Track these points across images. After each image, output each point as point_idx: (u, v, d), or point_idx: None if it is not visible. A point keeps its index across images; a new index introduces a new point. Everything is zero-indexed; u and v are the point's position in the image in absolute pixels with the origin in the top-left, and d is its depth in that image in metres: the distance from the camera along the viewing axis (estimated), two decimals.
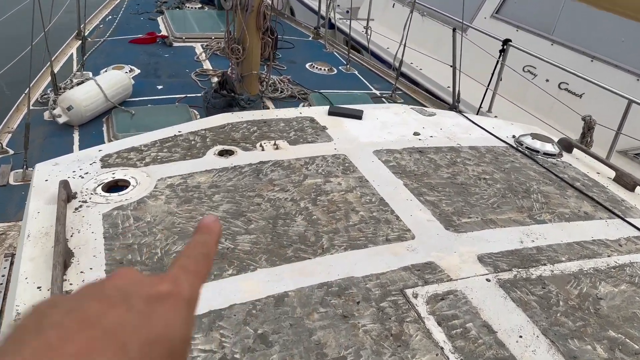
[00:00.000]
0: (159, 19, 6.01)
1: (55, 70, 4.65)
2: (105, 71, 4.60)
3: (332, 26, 7.06)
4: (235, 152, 2.40)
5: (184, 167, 2.24)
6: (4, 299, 2.41)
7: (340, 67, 5.40)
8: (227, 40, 4.07)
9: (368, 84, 5.15)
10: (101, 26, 5.71)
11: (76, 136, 3.69)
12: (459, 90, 4.48)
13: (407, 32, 4.84)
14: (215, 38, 5.49)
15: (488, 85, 5.06)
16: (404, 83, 5.14)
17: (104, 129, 3.79)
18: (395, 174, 2.25)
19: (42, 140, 3.60)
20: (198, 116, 4.09)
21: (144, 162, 2.26)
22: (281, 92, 4.57)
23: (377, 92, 4.97)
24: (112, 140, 3.65)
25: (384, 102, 4.77)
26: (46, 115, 3.89)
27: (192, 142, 2.45)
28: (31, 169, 3.28)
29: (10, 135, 3.62)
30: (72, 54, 4.99)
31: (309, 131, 2.62)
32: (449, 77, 5.33)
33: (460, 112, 3.04)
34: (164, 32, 5.62)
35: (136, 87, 4.26)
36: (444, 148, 2.55)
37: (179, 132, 2.58)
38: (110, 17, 6.01)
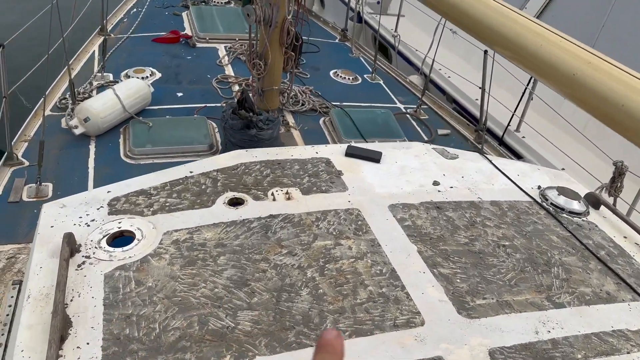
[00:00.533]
0: (184, 14, 5.90)
1: (77, 69, 4.63)
2: (126, 74, 4.54)
3: (360, 19, 6.88)
4: (245, 201, 2.32)
5: (191, 219, 2.17)
6: (9, 332, 2.39)
7: (365, 76, 5.25)
8: (249, 54, 3.96)
9: (393, 96, 5.00)
10: (125, 20, 5.64)
11: (92, 147, 3.65)
12: (487, 113, 4.32)
13: (437, 48, 4.66)
14: (239, 40, 5.37)
15: (518, 105, 4.87)
16: (430, 97, 4.97)
17: (121, 140, 3.75)
18: (409, 236, 2.15)
19: (58, 151, 3.57)
20: (216, 129, 4.02)
21: (151, 209, 2.20)
22: (302, 104, 4.46)
23: (402, 107, 4.82)
24: (127, 155, 3.61)
25: (407, 118, 4.63)
26: (63, 122, 3.86)
27: (203, 187, 2.37)
28: (45, 184, 3.27)
29: (26, 144, 3.60)
30: (94, 52, 4.94)
31: (323, 177, 2.52)
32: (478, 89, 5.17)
33: (484, 154, 2.90)
34: (187, 30, 5.52)
35: (155, 94, 4.20)
36: (463, 203, 2.43)
37: (191, 172, 2.51)
38: (135, 9, 5.93)
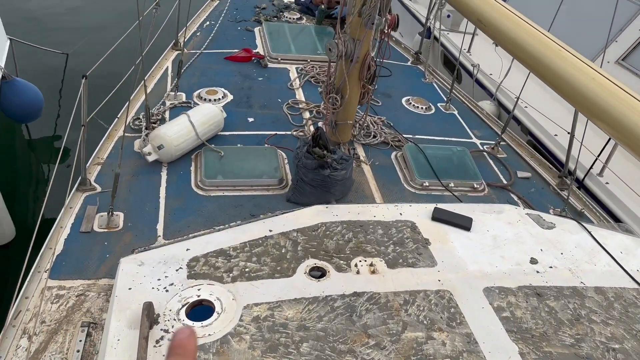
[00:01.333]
0: (256, 30, 5.84)
1: (150, 86, 4.63)
2: (199, 96, 4.51)
3: (429, 34, 6.63)
4: (327, 272, 2.18)
5: (272, 290, 2.06)
6: None
7: (439, 105, 5.03)
8: (326, 86, 3.83)
9: (468, 129, 4.75)
10: (198, 34, 5.63)
11: (164, 175, 3.61)
12: (576, 162, 4.03)
13: (522, 87, 4.38)
14: (311, 61, 5.26)
15: (603, 148, 4.54)
16: (510, 133, 4.69)
17: (192, 168, 3.70)
18: (509, 332, 1.95)
19: (130, 177, 3.55)
20: (286, 160, 3.91)
21: (231, 274, 2.10)
22: (374, 137, 4.29)
23: (478, 143, 4.57)
24: (198, 185, 3.56)
25: (484, 156, 4.39)
26: (136, 145, 3.85)
27: (283, 251, 2.25)
28: (117, 213, 3.25)
29: (99, 168, 3.60)
30: (167, 69, 4.94)
31: (409, 245, 2.35)
32: (563, 119, 4.87)
33: (580, 223, 2.66)
34: (260, 48, 5.45)
35: (228, 119, 4.14)
36: (565, 290, 2.21)
37: (270, 231, 2.40)
38: (208, 22, 5.92)
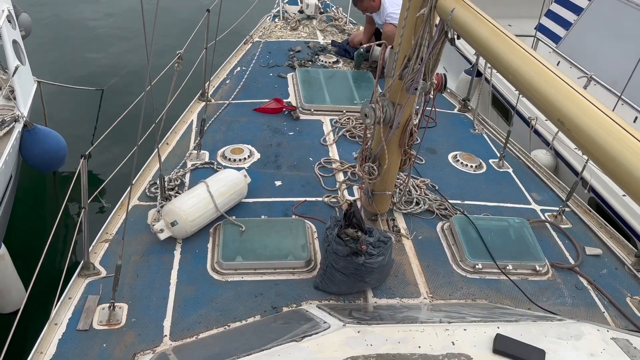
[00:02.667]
0: (289, 77, 5.45)
1: (172, 144, 4.28)
2: (223, 155, 4.12)
3: (480, 73, 6.08)
4: None
5: None
6: None
7: (491, 162, 4.47)
8: (361, 152, 3.37)
9: (526, 192, 4.17)
10: (228, 82, 5.29)
11: (177, 254, 3.20)
12: None
13: None
14: (346, 112, 4.82)
15: None
16: (575, 199, 4.08)
17: (209, 245, 3.28)
18: None
19: (139, 257, 3.15)
20: (315, 233, 3.45)
21: None
22: (417, 204, 3.78)
23: (538, 209, 3.98)
24: (215, 269, 3.12)
25: (546, 226, 3.79)
26: (150, 216, 3.46)
27: None
28: (119, 305, 2.84)
29: (106, 246, 3.22)
30: (192, 122, 4.59)
31: None
32: None
33: None
34: (292, 97, 5.05)
35: (252, 183, 3.73)
36: None
37: None
38: (239, 68, 5.58)
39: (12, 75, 5.46)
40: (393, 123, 3.08)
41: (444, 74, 3.05)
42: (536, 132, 5.74)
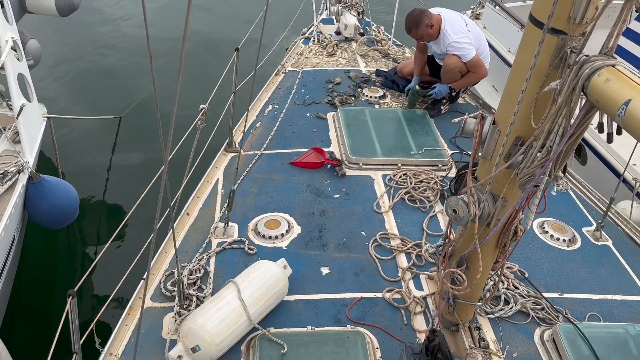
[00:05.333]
0: (330, 118, 4.64)
1: (194, 214, 3.52)
2: (256, 230, 3.33)
3: None
4: None
5: None
6: None
7: (585, 232, 3.60)
8: (442, 250, 2.56)
9: (635, 276, 3.30)
10: (258, 125, 4.51)
11: None
12: None
13: None
14: (402, 166, 4.00)
15: None
16: None
17: None
18: None
19: None
20: (377, 349, 2.64)
21: None
22: (506, 302, 2.94)
23: None
24: None
25: None
26: (165, 326, 2.70)
27: None
28: None
29: None
30: (217, 182, 3.82)
31: None
32: None
33: None
34: (334, 146, 4.23)
35: (294, 271, 2.95)
36: None
37: None
38: (270, 107, 4.80)
39: (17, 117, 4.78)
40: (492, 220, 2.26)
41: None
42: (616, 172, 4.82)
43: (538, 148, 1.89)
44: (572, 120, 1.76)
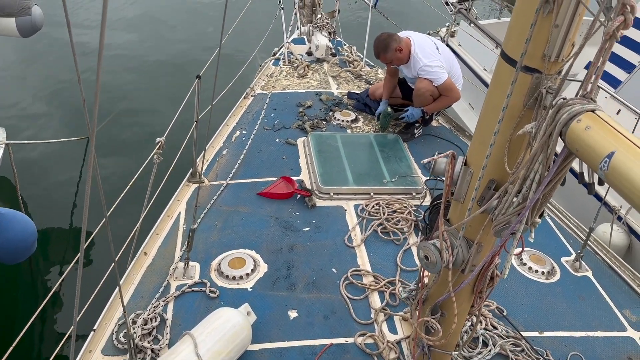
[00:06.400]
0: (300, 143, 4.46)
1: (152, 252, 3.29)
2: (219, 270, 3.12)
3: None
4: None
5: None
6: None
7: (563, 262, 3.46)
8: (415, 295, 2.38)
9: (616, 309, 3.16)
10: (224, 152, 4.31)
11: None
12: None
13: None
14: (374, 195, 3.83)
15: None
16: None
17: None
18: None
19: None
20: None
21: None
22: (484, 345, 2.77)
23: (637, 337, 2.98)
24: None
25: None
26: None
27: None
28: None
29: None
30: (179, 216, 3.60)
31: None
32: None
33: None
34: (304, 174, 4.05)
35: (259, 316, 2.74)
36: None
37: None
38: (238, 132, 4.60)
39: None
40: (466, 266, 2.09)
41: None
42: (597, 196, 4.74)
43: (514, 194, 1.73)
44: (550, 166, 1.61)
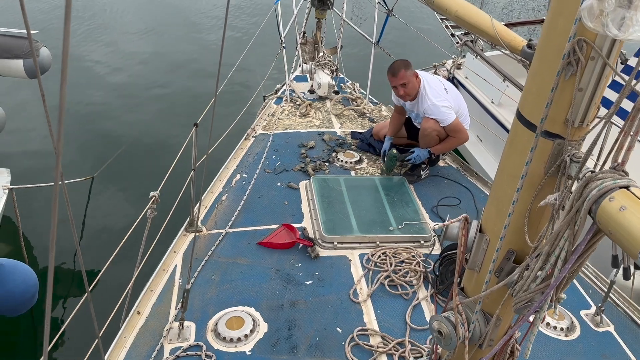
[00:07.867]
0: (302, 187, 4.32)
1: (145, 312, 3.11)
2: (215, 332, 2.93)
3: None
4: None
5: None
6: None
7: (583, 316, 3.25)
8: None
9: None
10: (224, 198, 4.16)
11: None
12: None
13: None
14: (380, 243, 3.66)
15: None
16: None
17: None
18: None
19: None
20: None
21: None
22: None
23: None
24: None
25: None
26: None
27: None
28: None
29: None
30: (175, 269, 3.43)
31: None
32: None
33: None
34: (306, 221, 3.89)
35: None
36: None
37: None
38: (238, 176, 4.46)
39: None
40: (484, 342, 1.90)
41: None
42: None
43: (537, 270, 1.56)
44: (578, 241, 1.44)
